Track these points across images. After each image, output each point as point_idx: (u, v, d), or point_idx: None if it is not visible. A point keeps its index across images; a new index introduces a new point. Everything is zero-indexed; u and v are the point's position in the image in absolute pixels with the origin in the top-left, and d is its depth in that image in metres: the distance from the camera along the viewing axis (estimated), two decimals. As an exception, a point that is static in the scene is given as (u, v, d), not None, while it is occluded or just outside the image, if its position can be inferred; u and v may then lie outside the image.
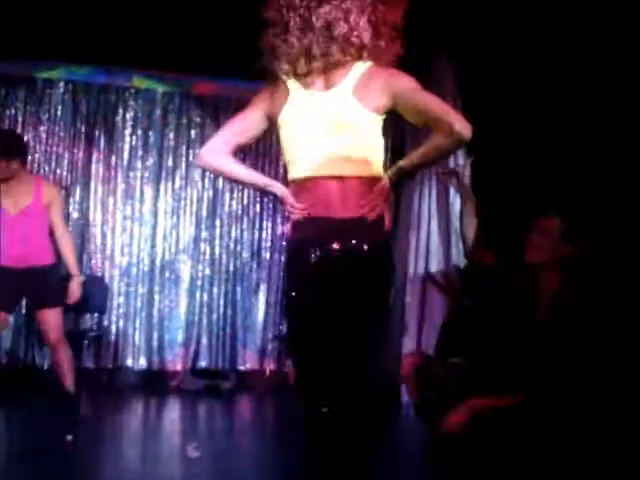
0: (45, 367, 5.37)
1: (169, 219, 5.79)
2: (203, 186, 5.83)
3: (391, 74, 2.00)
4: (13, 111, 5.52)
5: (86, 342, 5.41)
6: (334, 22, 1.97)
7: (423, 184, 5.13)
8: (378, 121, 2.02)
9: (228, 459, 2.51)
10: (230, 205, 5.87)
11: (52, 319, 3.99)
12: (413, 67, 2.08)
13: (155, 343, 5.70)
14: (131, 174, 5.74)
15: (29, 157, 5.50)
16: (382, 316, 2.00)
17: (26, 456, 3.48)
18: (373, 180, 1.99)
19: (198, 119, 5.83)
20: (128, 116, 5.72)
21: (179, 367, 5.69)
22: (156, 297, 5.72)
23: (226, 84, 5.61)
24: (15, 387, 5.12)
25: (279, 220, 5.85)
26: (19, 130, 5.51)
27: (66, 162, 5.62)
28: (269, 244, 5.90)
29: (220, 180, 5.85)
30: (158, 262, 5.75)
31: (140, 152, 5.73)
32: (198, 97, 5.82)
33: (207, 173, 5.79)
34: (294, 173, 2.06)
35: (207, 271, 5.82)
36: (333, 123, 1.98)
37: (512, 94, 4.07)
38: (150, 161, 5.74)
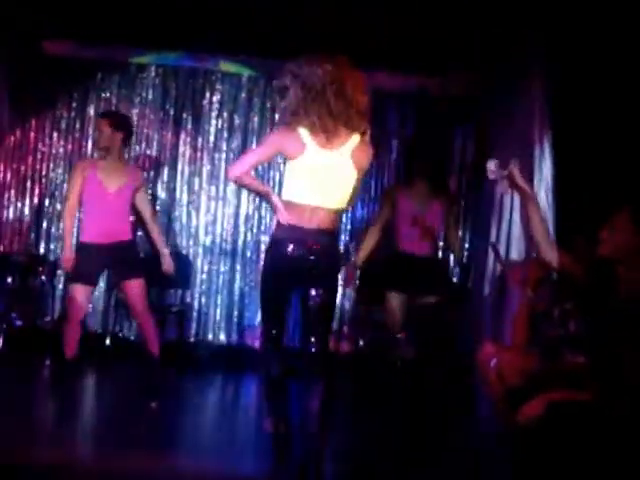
0: (132, 338, 5.66)
1: (252, 200, 5.92)
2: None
3: (369, 154, 2.90)
4: (108, 94, 5.78)
5: (169, 316, 5.65)
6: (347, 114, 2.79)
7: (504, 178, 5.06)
8: (356, 177, 2.87)
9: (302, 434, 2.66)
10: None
11: (137, 289, 4.23)
12: (502, 56, 2.13)
13: (235, 320, 5.90)
14: (216, 155, 5.91)
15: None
16: (334, 287, 3.00)
17: (114, 420, 3.73)
18: (340, 211, 2.93)
19: (282, 103, 5.93)
20: (215, 99, 5.88)
21: (257, 344, 5.87)
22: (237, 276, 5.91)
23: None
24: (106, 356, 5.44)
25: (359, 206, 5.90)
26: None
27: (155, 143, 5.86)
28: (349, 227, 5.97)
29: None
30: (240, 242, 5.92)
31: (225, 134, 5.89)
32: (282, 81, 5.91)
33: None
34: (293, 198, 2.83)
35: (287, 252, 5.94)
36: (333, 174, 2.81)
37: (600, 91, 3.97)
38: (235, 143, 5.89)
